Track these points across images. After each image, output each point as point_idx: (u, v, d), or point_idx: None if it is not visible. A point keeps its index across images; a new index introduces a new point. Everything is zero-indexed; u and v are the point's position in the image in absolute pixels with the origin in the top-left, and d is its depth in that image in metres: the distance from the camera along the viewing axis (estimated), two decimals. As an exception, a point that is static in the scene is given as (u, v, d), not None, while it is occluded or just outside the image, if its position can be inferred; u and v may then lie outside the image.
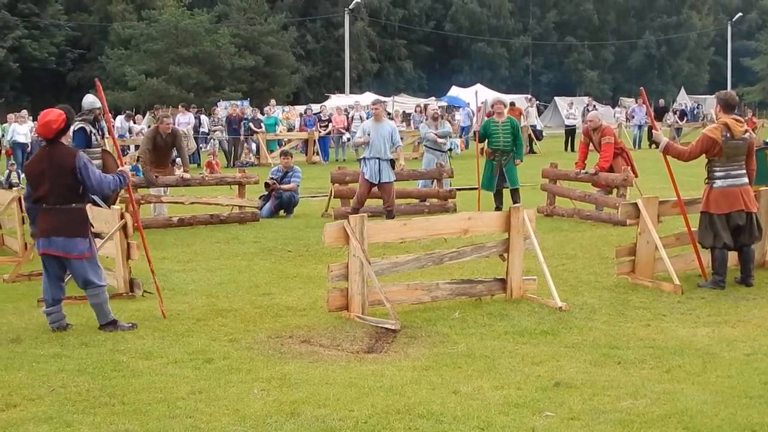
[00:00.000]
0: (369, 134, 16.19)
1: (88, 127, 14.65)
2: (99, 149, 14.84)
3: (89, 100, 15.09)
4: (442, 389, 6.92)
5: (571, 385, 6.97)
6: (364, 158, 16.33)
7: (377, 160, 16.14)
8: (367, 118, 36.70)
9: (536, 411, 6.38)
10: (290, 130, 37.88)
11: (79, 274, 8.98)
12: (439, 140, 19.35)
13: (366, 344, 8.41)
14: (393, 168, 16.52)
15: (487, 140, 17.37)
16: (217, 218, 16.92)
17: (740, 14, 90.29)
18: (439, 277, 10.59)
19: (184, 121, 32.33)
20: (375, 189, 16.35)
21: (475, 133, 18.00)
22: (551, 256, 12.05)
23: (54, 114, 8.91)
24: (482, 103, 31.87)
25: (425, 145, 19.55)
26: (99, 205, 12.13)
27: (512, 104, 35.95)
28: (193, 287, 11.14)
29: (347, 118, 37.60)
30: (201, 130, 35.84)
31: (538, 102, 53.38)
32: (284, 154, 19.81)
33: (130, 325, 9.06)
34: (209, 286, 11.21)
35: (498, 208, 16.76)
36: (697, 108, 56.02)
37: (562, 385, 6.97)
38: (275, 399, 6.70)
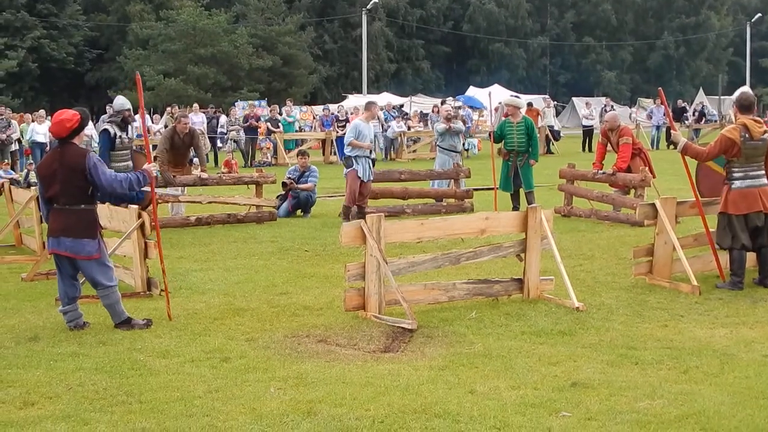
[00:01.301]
0: (365, 137, 16.59)
1: (113, 129, 14.68)
2: (126, 151, 14.83)
3: (120, 101, 15.04)
4: (458, 389, 6.92)
5: (588, 385, 6.96)
6: (356, 156, 16.50)
7: (367, 159, 16.63)
8: (386, 118, 37.11)
9: (553, 411, 6.37)
10: (301, 130, 38.20)
11: (87, 274, 9.01)
12: (453, 126, 19.05)
13: (382, 344, 8.40)
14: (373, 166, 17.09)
15: (503, 141, 17.36)
16: (234, 218, 16.95)
17: (759, 15, 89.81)
18: (456, 277, 10.59)
19: (197, 120, 32.35)
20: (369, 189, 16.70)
21: (490, 134, 17.97)
22: (568, 257, 12.04)
23: (68, 114, 8.93)
24: (500, 103, 31.78)
25: (438, 146, 19.53)
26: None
27: (530, 104, 35.92)
28: (210, 286, 11.16)
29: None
30: (219, 130, 35.90)
31: (555, 102, 53.31)
32: (301, 154, 19.83)
33: (145, 321, 9.09)
34: (226, 285, 11.23)
35: (515, 208, 16.77)
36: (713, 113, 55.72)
37: (579, 385, 6.96)
38: (292, 398, 6.71)
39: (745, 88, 10.54)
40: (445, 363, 7.67)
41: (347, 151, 16.56)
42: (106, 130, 14.58)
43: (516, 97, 23.64)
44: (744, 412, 6.30)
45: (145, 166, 9.52)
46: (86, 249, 8.85)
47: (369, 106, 17.68)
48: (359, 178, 16.42)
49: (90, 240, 8.86)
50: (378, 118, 36.78)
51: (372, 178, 16.85)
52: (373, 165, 16.99)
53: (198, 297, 10.50)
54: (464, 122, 23.84)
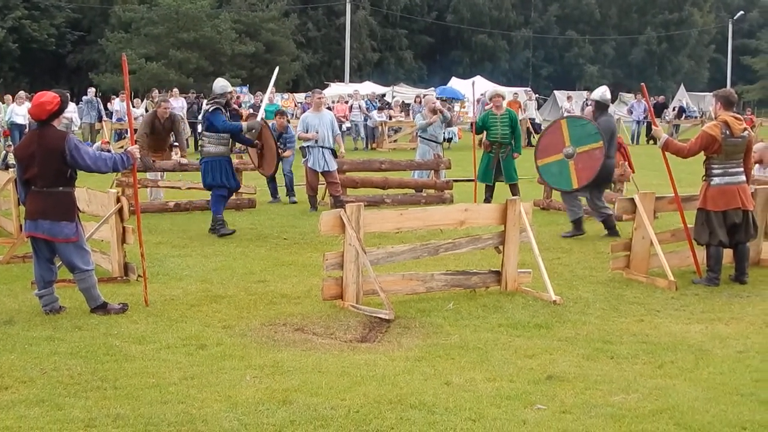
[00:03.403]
0: (313, 127, 16.69)
1: (223, 110, 14.43)
2: (227, 134, 14.51)
3: (220, 83, 14.60)
4: (434, 380, 6.92)
5: (564, 378, 6.98)
6: (308, 147, 16.68)
7: (321, 149, 16.68)
8: (368, 108, 37.10)
9: (528, 404, 6.38)
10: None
11: (64, 257, 8.99)
12: (438, 117, 18.97)
13: (359, 333, 8.41)
14: (335, 156, 17.05)
15: (485, 132, 17.32)
16: (213, 204, 16.89)
17: (741, 12, 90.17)
18: (435, 268, 10.59)
19: (178, 105, 32.20)
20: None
21: (472, 124, 17.97)
22: (547, 250, 12.07)
23: (48, 96, 8.88)
24: (482, 95, 31.79)
25: (420, 136, 19.49)
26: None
27: (515, 95, 35.92)
28: (187, 273, 11.13)
29: (349, 107, 37.63)
30: (201, 116, 35.72)
31: (537, 95, 53.33)
32: (280, 113, 19.78)
33: (121, 306, 9.09)
34: (204, 271, 11.21)
35: (487, 200, 16.69)
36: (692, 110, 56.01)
37: (555, 378, 6.97)
38: (267, 386, 6.70)
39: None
40: (421, 354, 7.68)
41: (300, 143, 16.80)
42: (218, 109, 14.25)
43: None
44: (717, 407, 6.33)
45: (128, 147, 9.51)
46: (64, 232, 8.82)
47: (313, 94, 17.86)
48: (311, 168, 16.69)
49: (68, 223, 8.84)
50: (360, 107, 36.87)
51: (331, 168, 16.77)
52: (335, 154, 17.02)
53: (175, 283, 10.48)
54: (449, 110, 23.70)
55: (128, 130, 12.31)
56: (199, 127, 35.39)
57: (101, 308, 8.99)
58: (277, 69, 15.01)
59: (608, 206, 14.22)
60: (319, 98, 17.76)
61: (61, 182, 8.84)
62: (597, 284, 10.61)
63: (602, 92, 14.47)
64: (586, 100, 41.69)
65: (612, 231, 14.04)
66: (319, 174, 16.84)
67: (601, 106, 14.29)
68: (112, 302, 9.14)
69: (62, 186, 8.85)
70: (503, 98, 17.99)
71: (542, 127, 43.70)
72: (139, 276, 10.40)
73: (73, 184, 9.02)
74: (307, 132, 16.59)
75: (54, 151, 8.71)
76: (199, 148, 14.57)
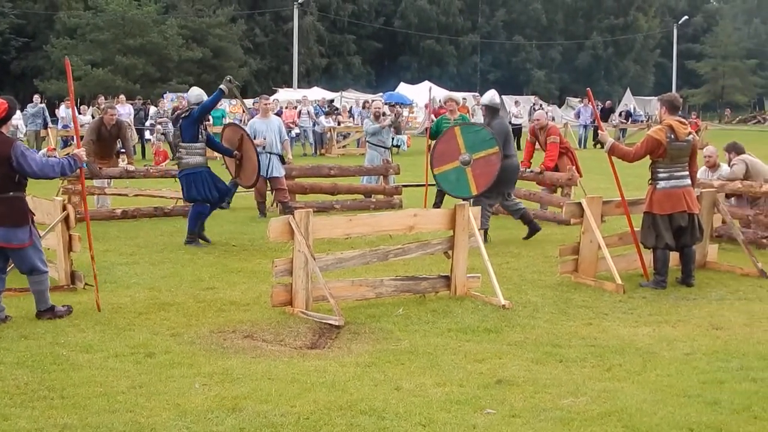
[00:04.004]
0: (261, 133, 16.63)
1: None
2: (203, 143, 13.97)
3: (195, 93, 14.29)
4: (384, 386, 6.93)
5: (513, 382, 7.01)
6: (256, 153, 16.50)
7: (268, 155, 16.63)
8: (316, 113, 37.08)
9: (478, 408, 6.41)
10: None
11: (22, 261, 8.96)
12: (384, 123, 18.97)
13: (309, 340, 8.39)
14: (283, 162, 16.99)
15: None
16: (161, 211, 16.84)
17: (686, 17, 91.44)
18: (384, 273, 10.60)
19: (124, 112, 31.88)
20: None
21: (426, 129, 18.00)
22: (495, 254, 12.11)
23: None
24: (429, 101, 31.89)
25: (368, 141, 19.48)
26: None
27: (463, 99, 36.07)
28: (135, 280, 11.05)
29: (297, 113, 37.57)
30: (149, 122, 35.48)
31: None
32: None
33: (66, 308, 9.11)
34: (152, 279, 11.13)
35: (436, 205, 16.70)
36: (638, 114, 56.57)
37: (504, 382, 7.00)
38: (217, 394, 6.67)
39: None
40: (371, 359, 7.68)
41: None
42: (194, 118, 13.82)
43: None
44: (665, 409, 6.39)
45: (75, 150, 9.46)
46: (19, 237, 8.82)
47: (260, 100, 17.80)
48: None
49: (22, 228, 8.82)
50: (308, 113, 36.83)
51: (278, 174, 16.72)
52: (283, 160, 16.96)
53: (123, 291, 10.39)
54: (397, 116, 23.71)
55: (74, 137, 12.16)
56: (147, 134, 35.29)
57: (49, 311, 8.98)
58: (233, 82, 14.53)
59: (519, 201, 14.43)
60: (266, 104, 17.70)
61: (11, 187, 8.78)
62: (546, 288, 10.67)
63: (491, 96, 14.62)
64: (534, 104, 42.05)
65: (532, 225, 14.16)
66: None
67: (492, 110, 14.41)
68: (55, 307, 9.11)
69: (13, 191, 8.80)
70: (457, 103, 18.01)
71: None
72: (86, 284, 10.32)
73: (24, 189, 8.97)
74: (254, 138, 16.53)
75: (1, 157, 8.64)
76: (177, 160, 14.27)
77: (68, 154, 9.40)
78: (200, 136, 13.88)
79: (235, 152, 14.70)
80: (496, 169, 13.58)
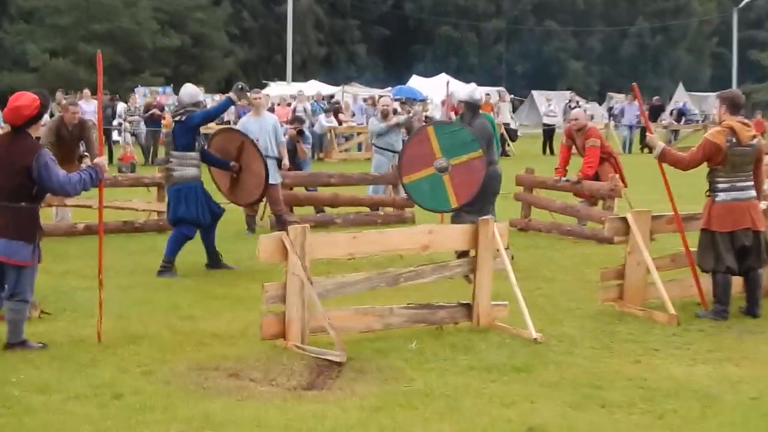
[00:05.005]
0: (253, 134, 16.03)
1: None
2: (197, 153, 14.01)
3: (189, 91, 14.08)
4: (394, 435, 6.90)
5: (547, 431, 6.96)
6: None
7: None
8: (314, 111, 37.08)
9: (505, 462, 6.37)
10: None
11: (11, 280, 9.04)
12: (390, 124, 18.90)
13: (305, 379, 8.37)
14: (279, 167, 16.89)
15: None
16: (131, 226, 16.84)
17: (747, 0, 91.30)
18: (394, 300, 10.55)
19: (89, 110, 31.98)
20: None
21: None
22: (525, 278, 12.06)
23: (27, 99, 8.99)
24: (448, 95, 31.88)
25: (375, 145, 19.43)
26: None
27: (487, 95, 36.08)
28: (100, 308, 11.03)
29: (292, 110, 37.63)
30: (116, 120, 35.56)
31: (512, 96, 53.64)
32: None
33: (41, 345, 9.13)
34: (120, 306, 11.08)
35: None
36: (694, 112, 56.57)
37: (536, 430, 6.97)
38: (196, 444, 6.64)
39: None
40: (379, 403, 7.65)
41: None
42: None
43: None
44: (728, 464, 6.35)
45: (96, 159, 9.65)
46: (21, 253, 8.92)
47: (250, 95, 17.80)
48: None
49: (26, 243, 8.92)
50: (305, 110, 36.85)
51: (273, 182, 16.35)
52: (280, 165, 16.91)
53: (85, 321, 10.34)
54: (411, 115, 23.70)
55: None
56: (114, 135, 35.35)
57: (21, 344, 9.04)
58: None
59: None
60: (257, 99, 17.46)
61: (24, 198, 8.91)
62: (584, 318, 10.65)
63: (470, 91, 14.08)
64: (569, 101, 42.05)
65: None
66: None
67: (471, 107, 13.90)
68: (28, 341, 9.17)
69: (25, 201, 8.92)
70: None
71: (518, 134, 44.28)
72: (42, 312, 10.31)
73: (39, 203, 9.20)
74: None
75: (21, 164, 8.82)
76: (165, 171, 14.10)
77: (94, 162, 9.47)
78: (196, 145, 13.69)
79: (233, 164, 14.31)
80: (480, 177, 13.08)
